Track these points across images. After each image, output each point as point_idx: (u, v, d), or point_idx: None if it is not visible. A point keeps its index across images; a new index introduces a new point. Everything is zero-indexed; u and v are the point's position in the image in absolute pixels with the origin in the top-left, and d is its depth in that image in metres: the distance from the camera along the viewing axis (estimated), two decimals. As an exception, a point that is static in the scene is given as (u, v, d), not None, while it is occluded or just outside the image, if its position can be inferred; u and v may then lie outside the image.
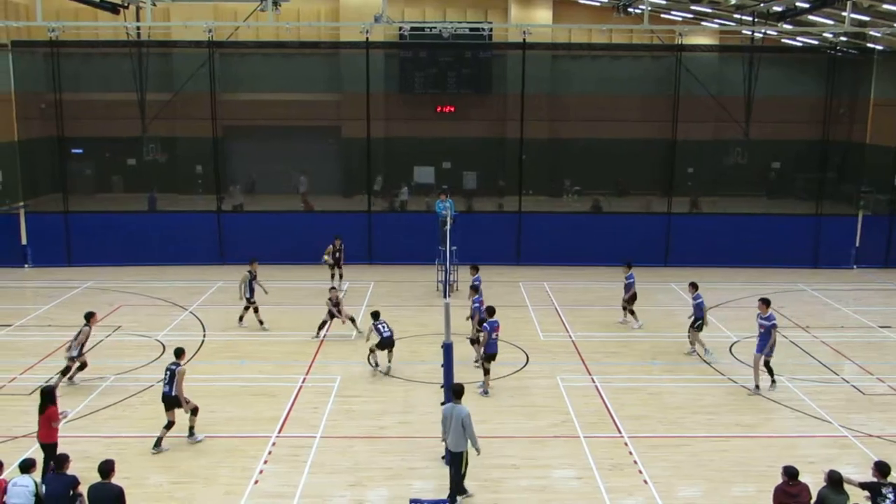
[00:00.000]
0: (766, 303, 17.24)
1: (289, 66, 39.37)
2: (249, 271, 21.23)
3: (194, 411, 14.67)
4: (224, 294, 24.91)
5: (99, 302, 23.83)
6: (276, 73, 38.98)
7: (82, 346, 17.20)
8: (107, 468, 10.83)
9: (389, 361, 18.32)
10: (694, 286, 19.72)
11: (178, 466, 13.74)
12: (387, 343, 18.17)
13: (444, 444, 12.81)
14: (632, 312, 21.99)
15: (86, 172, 38.71)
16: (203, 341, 20.44)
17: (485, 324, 17.00)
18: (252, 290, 21.24)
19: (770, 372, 17.32)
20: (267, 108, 38.17)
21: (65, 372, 17.15)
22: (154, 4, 28.19)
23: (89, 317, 17.50)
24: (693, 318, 19.51)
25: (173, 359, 14.80)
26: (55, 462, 11.22)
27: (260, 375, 18.09)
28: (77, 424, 15.35)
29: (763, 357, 17.07)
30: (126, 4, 29.88)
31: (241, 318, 21.55)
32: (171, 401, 14.42)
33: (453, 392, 12.74)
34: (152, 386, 17.26)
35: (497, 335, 17.06)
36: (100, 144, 38.18)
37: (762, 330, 17.10)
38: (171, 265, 27.76)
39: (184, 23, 30.02)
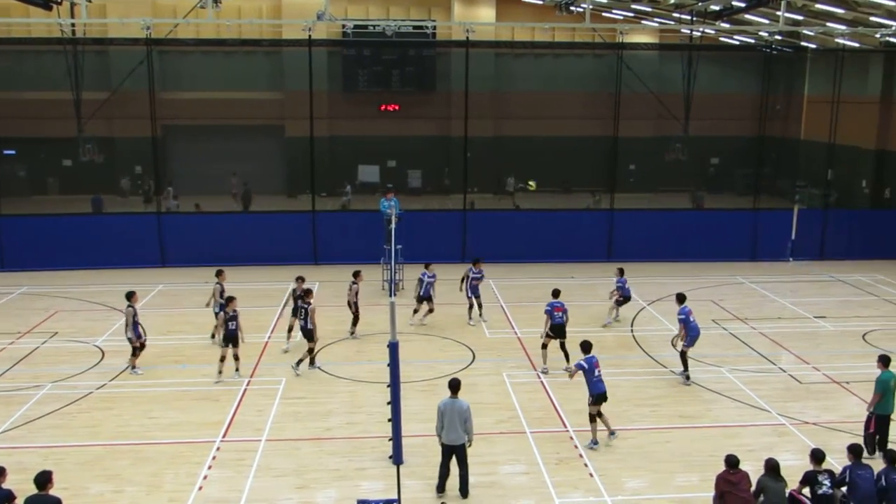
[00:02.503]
0: (678, 298, 18.05)
1: (230, 64, 38.91)
2: (219, 283, 20.03)
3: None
4: (165, 297, 24.51)
5: (34, 308, 23.23)
6: (217, 72, 38.50)
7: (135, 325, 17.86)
8: (44, 479, 10.51)
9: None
10: (679, 298, 18.29)
11: (119, 475, 13.46)
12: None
13: (437, 437, 12.83)
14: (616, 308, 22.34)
15: (19, 174, 37.70)
16: (143, 345, 19.99)
17: (580, 361, 14.71)
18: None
19: (684, 363, 17.72)
20: (208, 107, 37.63)
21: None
22: (89, 1, 27.49)
23: (130, 296, 18.04)
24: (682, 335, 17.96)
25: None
26: (37, 481, 10.69)
27: (203, 379, 17.80)
28: (12, 435, 14.93)
29: (685, 347, 17.61)
30: (60, 0, 29.11)
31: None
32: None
33: (450, 386, 12.84)
34: (91, 393, 16.92)
35: (599, 371, 14.58)
36: (34, 145, 37.24)
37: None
38: (111, 268, 27.15)
39: (120, 19, 29.37)
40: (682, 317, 17.54)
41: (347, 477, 13.38)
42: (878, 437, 14.15)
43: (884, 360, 14.43)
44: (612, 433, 14.64)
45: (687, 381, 17.62)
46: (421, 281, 21.63)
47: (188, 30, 33.02)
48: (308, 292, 18.53)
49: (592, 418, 14.50)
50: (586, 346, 14.90)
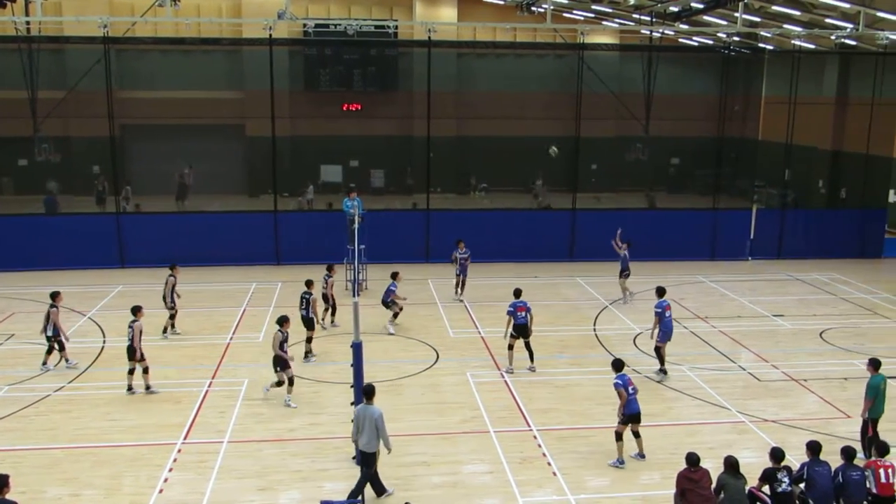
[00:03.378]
0: (658, 291, 18.35)
1: (189, 64, 38.46)
2: (172, 276, 20.44)
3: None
4: (125, 298, 24.10)
5: (-10, 309, 22.80)
6: (176, 71, 38.04)
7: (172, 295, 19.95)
8: (0, 483, 10.35)
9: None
10: (659, 292, 18.44)
11: (77, 478, 13.25)
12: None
13: (354, 444, 12.74)
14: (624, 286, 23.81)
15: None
16: (103, 347, 19.79)
17: (616, 380, 14.05)
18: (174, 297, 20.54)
19: (661, 359, 18.01)
20: (167, 106, 37.15)
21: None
22: (44, -2, 27.02)
23: (55, 296, 18.44)
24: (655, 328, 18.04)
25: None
26: None
27: (164, 381, 17.57)
28: (-36, 439, 14.65)
29: (659, 342, 17.87)
30: (14, -2, 28.55)
31: (167, 329, 20.63)
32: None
33: (364, 393, 12.63)
34: (49, 395, 16.65)
35: (633, 389, 13.99)
36: (-12, 144, 36.47)
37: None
38: (68, 269, 26.71)
39: (77, 17, 28.91)
40: (659, 310, 17.70)
41: (310, 478, 13.31)
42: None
43: (874, 364, 14.28)
44: (620, 461, 13.91)
45: (663, 377, 17.87)
46: (456, 259, 23.95)
47: (146, 28, 32.57)
48: (310, 283, 19.33)
49: (619, 436, 13.92)
50: (618, 365, 14.33)
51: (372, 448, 12.37)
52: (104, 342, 20.13)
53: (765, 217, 31.63)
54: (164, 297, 20.51)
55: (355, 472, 13.11)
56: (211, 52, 38.82)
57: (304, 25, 34.89)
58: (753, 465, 12.33)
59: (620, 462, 13.89)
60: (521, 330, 18.28)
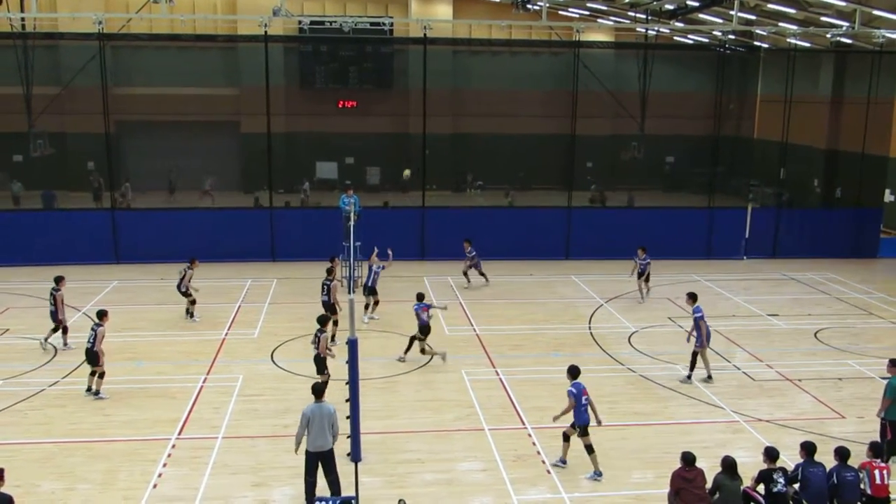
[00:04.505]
0: (690, 297, 17.87)
1: (185, 60, 38.36)
2: (190, 268, 21.42)
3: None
4: (120, 294, 24.13)
5: (-16, 305, 22.75)
6: (171, 67, 37.94)
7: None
8: (-6, 477, 10.39)
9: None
10: (692, 297, 18.01)
11: (72, 472, 13.24)
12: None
13: (296, 443, 12.31)
14: (643, 287, 24.14)
15: (-32, 169, 36.84)
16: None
17: (571, 387, 13.62)
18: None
19: (691, 364, 17.61)
20: (162, 103, 37.11)
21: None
22: (39, -6, 26.95)
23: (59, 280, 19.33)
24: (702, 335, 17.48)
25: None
26: None
27: (158, 376, 17.58)
28: (-40, 433, 14.64)
29: (697, 348, 17.47)
30: (9, -6, 28.51)
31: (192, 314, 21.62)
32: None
33: (314, 391, 12.39)
34: (43, 390, 16.64)
35: (587, 400, 13.54)
36: (-17, 140, 36.39)
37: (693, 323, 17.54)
38: (63, 265, 26.57)
39: (72, 14, 28.84)
40: (699, 315, 17.32)
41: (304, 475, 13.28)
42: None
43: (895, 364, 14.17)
44: (563, 461, 13.74)
45: (688, 380, 17.62)
46: (370, 269, 21.90)
47: (141, 25, 32.59)
48: (331, 270, 20.23)
49: (566, 438, 13.70)
50: (574, 372, 13.82)
51: (328, 446, 12.18)
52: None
53: (760, 216, 31.67)
54: (179, 287, 21.38)
55: (350, 469, 13.09)
56: (206, 48, 38.75)
57: (300, 22, 34.93)
58: (748, 465, 12.33)
59: (563, 462, 13.71)
60: (425, 330, 18.60)
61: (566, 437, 13.72)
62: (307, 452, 12.24)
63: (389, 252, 22.52)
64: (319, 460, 12.23)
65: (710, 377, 17.67)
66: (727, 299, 24.93)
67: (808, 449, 11.62)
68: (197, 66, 38.59)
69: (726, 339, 20.87)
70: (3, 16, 29.06)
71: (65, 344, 19.18)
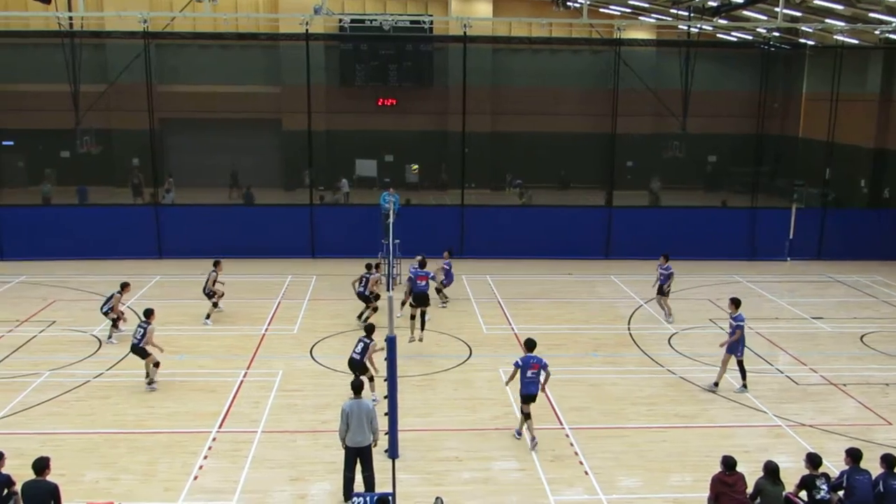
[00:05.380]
0: (734, 303, 17.31)
1: (227, 58, 38.82)
2: (215, 271, 21.59)
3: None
4: (162, 289, 24.49)
5: (32, 297, 23.24)
6: (214, 65, 38.44)
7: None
8: (41, 465, 10.61)
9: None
10: (735, 303, 17.38)
11: (115, 462, 13.47)
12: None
13: (341, 440, 12.38)
14: (664, 305, 22.10)
15: (18, 164, 37.63)
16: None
17: (518, 360, 14.36)
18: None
19: (742, 373, 17.15)
20: (205, 100, 37.57)
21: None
22: (87, -7, 27.45)
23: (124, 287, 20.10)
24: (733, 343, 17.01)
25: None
26: (34, 467, 10.78)
27: (200, 370, 17.81)
28: (11, 421, 14.97)
29: (733, 356, 16.95)
30: (57, -7, 29.06)
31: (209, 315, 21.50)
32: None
33: (353, 388, 12.54)
34: (88, 381, 16.95)
35: (533, 373, 14.15)
36: (32, 136, 37.18)
37: (730, 329, 17.02)
38: (108, 259, 27.15)
39: (118, 13, 29.31)
40: (742, 323, 16.83)
41: (342, 470, 13.32)
42: None
43: None
44: (533, 439, 14.24)
45: (714, 388, 17.13)
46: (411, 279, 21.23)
47: (185, 23, 32.93)
48: (375, 266, 21.25)
49: (526, 416, 14.29)
50: (530, 345, 14.54)
51: (367, 442, 12.31)
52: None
53: (805, 216, 31.11)
54: (203, 290, 21.48)
55: (387, 465, 13.22)
56: (248, 47, 39.14)
57: (341, 21, 35.10)
58: (790, 471, 12.12)
59: (518, 434, 14.61)
60: (421, 299, 19.20)
61: (526, 415, 14.40)
62: (346, 448, 12.34)
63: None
64: (358, 456, 12.31)
65: (716, 385, 17.19)
66: (770, 301, 24.55)
67: (854, 455, 11.36)
68: (239, 64, 39.02)
69: (769, 341, 20.56)
70: (52, 15, 29.65)
71: (109, 337, 19.62)
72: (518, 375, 14.22)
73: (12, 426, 14.74)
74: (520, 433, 14.63)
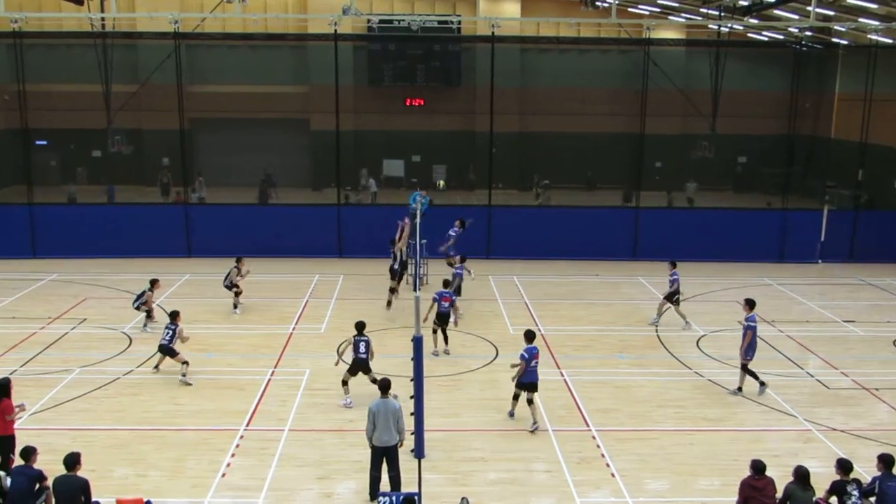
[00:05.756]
0: (748, 304, 17.06)
1: (256, 58, 39.13)
2: (237, 267, 22.20)
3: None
4: (191, 287, 24.71)
5: (64, 294, 23.56)
6: (243, 65, 38.76)
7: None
8: (72, 461, 10.76)
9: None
10: (750, 304, 17.15)
11: (144, 459, 13.61)
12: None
13: (368, 440, 12.44)
14: (679, 312, 21.41)
15: (50, 164, 38.17)
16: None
17: (522, 352, 15.05)
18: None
19: (753, 375, 16.90)
20: (234, 100, 37.91)
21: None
22: (119, -6, 27.80)
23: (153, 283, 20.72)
24: (745, 345, 16.85)
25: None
26: (22, 454, 11.09)
27: (228, 368, 17.95)
28: (42, 417, 15.18)
29: (747, 360, 16.79)
30: (90, -6, 29.44)
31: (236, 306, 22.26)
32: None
33: (381, 387, 12.65)
34: (118, 378, 17.15)
35: (536, 363, 15.04)
36: (64, 136, 37.74)
37: (742, 330, 16.83)
38: (138, 258, 27.42)
39: (149, 14, 29.65)
40: (753, 325, 16.63)
41: (368, 469, 13.37)
42: None
43: None
44: (535, 423, 14.98)
45: (738, 392, 16.93)
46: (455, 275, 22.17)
47: (215, 24, 33.26)
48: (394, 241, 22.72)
49: (516, 396, 15.23)
50: (530, 336, 15.34)
51: (394, 441, 12.37)
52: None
53: (836, 218, 30.65)
54: (224, 283, 22.14)
55: (413, 465, 13.23)
56: (277, 47, 39.41)
57: (369, 21, 35.19)
58: (821, 476, 11.95)
59: (511, 415, 15.38)
60: (443, 318, 19.04)
61: (515, 397, 15.23)
62: (373, 447, 12.39)
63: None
64: (384, 455, 12.34)
65: (739, 389, 16.98)
66: (800, 304, 24.27)
67: (886, 461, 11.18)
68: (268, 64, 39.32)
69: (799, 345, 20.33)
70: (85, 16, 30.05)
71: (144, 326, 20.38)
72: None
73: (44, 422, 14.94)
74: (512, 414, 15.45)
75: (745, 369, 16.90)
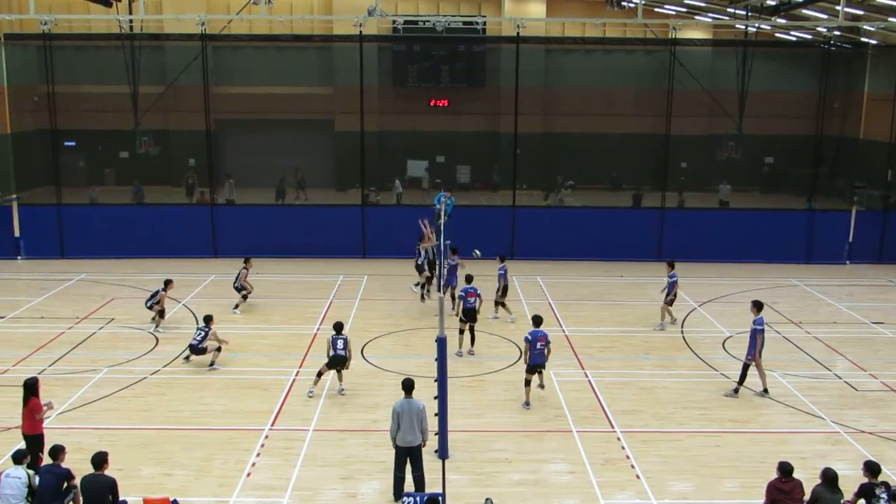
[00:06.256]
0: (755, 306, 16.88)
1: (282, 60, 39.34)
2: (245, 268, 22.42)
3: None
4: (217, 287, 24.87)
5: (92, 294, 23.81)
6: (269, 67, 38.97)
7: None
8: (100, 460, 10.86)
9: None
10: (757, 306, 16.96)
11: (170, 458, 13.73)
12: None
13: (392, 441, 12.50)
14: (668, 312, 21.39)
15: (79, 165, 38.61)
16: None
17: (527, 335, 16.02)
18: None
19: (741, 378, 16.79)
20: (260, 102, 38.15)
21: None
22: (146, -3, 28.10)
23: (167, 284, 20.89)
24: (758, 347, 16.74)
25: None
26: (51, 452, 11.21)
27: (253, 368, 18.07)
28: (70, 416, 15.36)
29: (746, 359, 16.76)
30: (119, -3, 29.80)
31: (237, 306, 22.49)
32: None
33: (404, 387, 12.66)
34: (145, 378, 17.30)
35: (541, 346, 15.93)
36: (92, 137, 38.08)
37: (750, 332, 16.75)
38: (164, 258, 27.66)
39: (176, 16, 29.94)
40: (760, 327, 16.48)
41: (392, 469, 13.40)
42: None
43: None
44: (526, 403, 16.05)
45: (764, 394, 16.79)
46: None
47: (241, 25, 33.55)
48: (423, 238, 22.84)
49: (527, 382, 16.06)
50: (537, 321, 16.40)
51: (417, 442, 12.39)
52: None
53: (865, 219, 30.34)
54: (234, 285, 22.56)
55: (437, 466, 13.24)
56: (303, 48, 39.59)
57: (394, 22, 35.29)
58: (849, 479, 11.83)
59: (527, 404, 15.99)
60: (470, 314, 19.01)
61: (527, 383, 16.06)
62: (397, 447, 12.42)
63: (477, 252, 22.36)
64: (408, 455, 12.37)
65: (765, 391, 16.82)
66: (828, 305, 24.02)
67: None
68: (293, 65, 39.51)
69: (827, 346, 20.12)
70: (113, 18, 30.41)
71: (157, 327, 20.56)
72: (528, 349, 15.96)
73: (72, 421, 15.12)
74: (527, 404, 16.05)
75: (745, 369, 16.79)
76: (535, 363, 15.95)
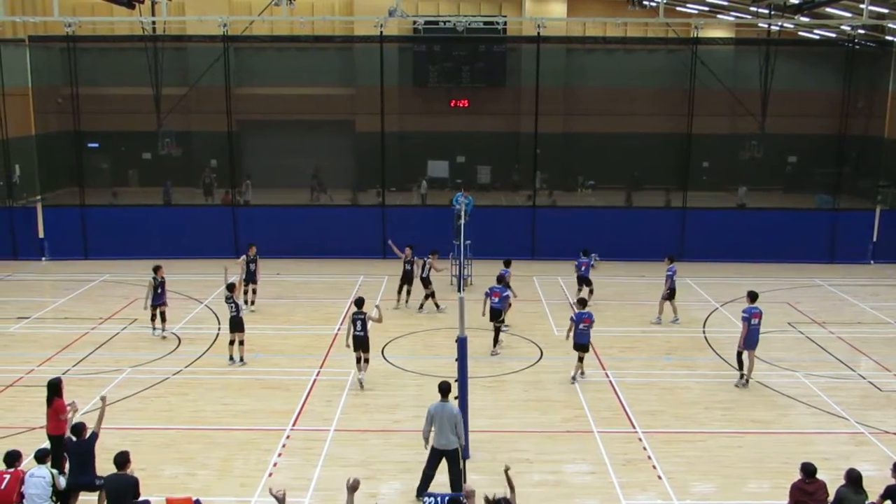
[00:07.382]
0: (749, 296, 17.34)
1: (303, 60, 39.51)
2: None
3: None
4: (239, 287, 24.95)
5: (115, 295, 24.03)
6: (290, 67, 39.15)
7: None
8: (123, 459, 10.92)
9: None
10: (751, 296, 17.36)
11: (192, 458, 13.83)
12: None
13: (424, 440, 12.57)
14: (672, 307, 21.64)
15: (102, 166, 38.97)
16: (218, 335, 20.51)
17: (572, 315, 17.64)
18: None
19: (740, 364, 17.28)
20: (281, 102, 38.29)
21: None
22: (169, -1, 28.31)
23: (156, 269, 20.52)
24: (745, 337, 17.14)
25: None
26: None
27: (274, 369, 18.16)
28: (93, 416, 15.41)
29: (740, 348, 17.21)
30: (142, -1, 30.05)
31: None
32: None
33: (441, 390, 12.63)
34: (167, 378, 17.42)
35: (585, 326, 17.34)
36: (116, 139, 38.43)
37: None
38: (186, 258, 27.83)
39: (199, 17, 30.12)
40: (746, 315, 16.96)
41: (413, 470, 13.38)
42: None
43: None
44: (574, 377, 17.30)
45: (743, 384, 17.16)
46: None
47: (263, 27, 33.72)
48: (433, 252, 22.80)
49: (580, 359, 17.39)
50: (582, 303, 18.30)
51: (452, 445, 12.37)
52: (219, 329, 20.87)
53: (889, 218, 30.02)
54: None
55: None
56: (324, 49, 39.75)
57: (414, 22, 35.33)
58: (874, 480, 11.69)
59: (573, 380, 17.29)
60: (495, 314, 19.21)
61: (580, 358, 17.39)
62: (432, 448, 12.47)
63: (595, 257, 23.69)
64: (443, 457, 12.42)
65: (746, 382, 17.14)
66: (852, 305, 23.79)
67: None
68: (314, 66, 39.65)
69: (851, 346, 19.92)
70: (136, 20, 30.67)
71: (162, 331, 20.32)
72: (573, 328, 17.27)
73: (95, 421, 15.19)
74: (574, 378, 17.33)
75: (739, 357, 17.25)
76: (579, 342, 17.28)
